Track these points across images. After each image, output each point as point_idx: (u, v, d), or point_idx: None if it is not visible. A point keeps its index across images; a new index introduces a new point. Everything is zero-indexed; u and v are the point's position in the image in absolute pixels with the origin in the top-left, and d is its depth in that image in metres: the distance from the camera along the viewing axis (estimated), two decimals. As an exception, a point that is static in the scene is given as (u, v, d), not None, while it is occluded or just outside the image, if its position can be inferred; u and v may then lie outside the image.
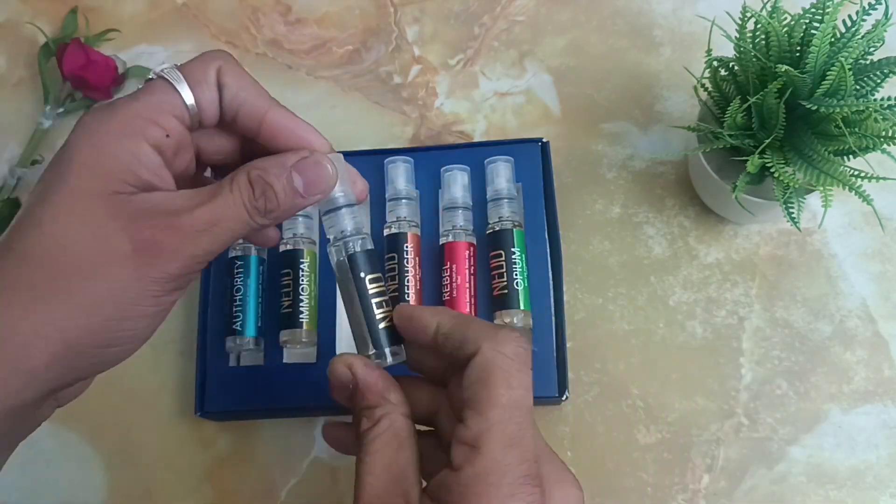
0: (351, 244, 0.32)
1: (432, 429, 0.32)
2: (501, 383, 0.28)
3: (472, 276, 0.43)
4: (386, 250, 0.44)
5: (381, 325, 0.32)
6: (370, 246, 0.32)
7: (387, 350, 0.32)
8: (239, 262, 0.44)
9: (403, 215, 0.45)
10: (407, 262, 0.43)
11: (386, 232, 0.45)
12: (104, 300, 0.26)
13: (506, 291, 0.42)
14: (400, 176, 0.46)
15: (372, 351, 0.32)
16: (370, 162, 0.47)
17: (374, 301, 0.32)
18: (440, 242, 0.44)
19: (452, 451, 0.28)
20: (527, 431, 0.27)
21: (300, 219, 0.45)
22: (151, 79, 0.30)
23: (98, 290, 0.26)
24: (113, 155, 0.27)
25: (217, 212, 0.28)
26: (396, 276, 0.43)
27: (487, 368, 0.28)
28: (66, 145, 0.28)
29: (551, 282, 0.44)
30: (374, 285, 0.32)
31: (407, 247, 0.44)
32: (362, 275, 0.32)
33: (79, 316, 0.26)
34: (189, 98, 0.29)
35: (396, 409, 0.30)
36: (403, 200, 0.45)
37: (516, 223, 0.44)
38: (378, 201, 0.47)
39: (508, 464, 0.27)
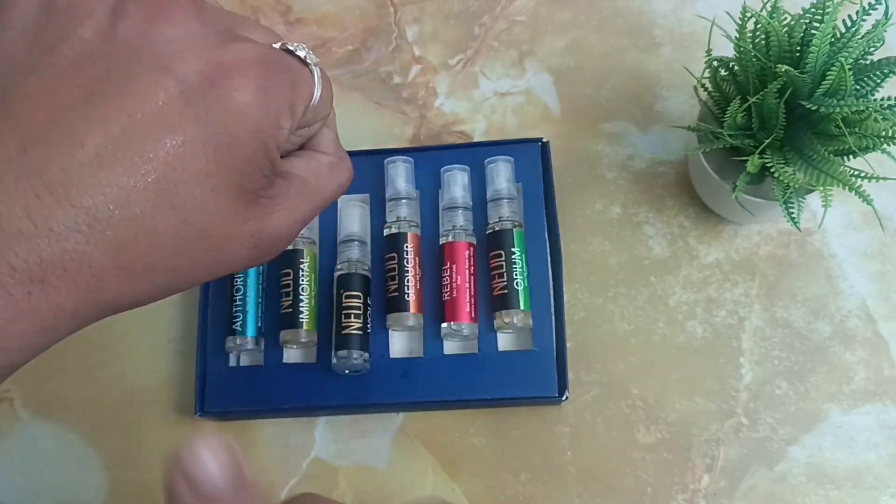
0: (345, 267, 0.43)
1: None
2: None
3: (472, 276, 0.43)
4: (386, 250, 0.44)
5: (342, 332, 0.42)
6: (363, 272, 0.44)
7: (336, 352, 0.42)
8: (239, 262, 0.44)
9: (403, 215, 0.45)
10: (407, 262, 0.43)
11: (386, 232, 0.45)
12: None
13: (506, 291, 0.42)
14: (400, 176, 0.46)
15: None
16: (370, 162, 0.47)
17: (343, 312, 0.42)
18: (440, 242, 0.44)
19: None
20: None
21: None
22: (295, 52, 0.27)
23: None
24: (263, 141, 0.25)
25: (320, 207, 0.29)
26: (396, 277, 0.43)
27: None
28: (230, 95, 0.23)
29: (551, 282, 0.44)
30: (350, 300, 0.43)
31: (407, 247, 0.44)
32: (342, 291, 0.43)
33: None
34: (315, 101, 0.28)
35: None
36: (403, 200, 0.45)
37: (516, 223, 0.44)
38: (378, 201, 0.47)
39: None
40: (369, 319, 0.43)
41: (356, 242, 0.45)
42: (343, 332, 0.42)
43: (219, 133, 0.23)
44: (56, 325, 0.22)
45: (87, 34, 0.23)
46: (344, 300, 0.43)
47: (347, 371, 0.43)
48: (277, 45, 0.27)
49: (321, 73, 0.28)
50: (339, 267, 0.44)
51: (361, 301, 0.43)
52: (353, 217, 0.45)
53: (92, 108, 0.21)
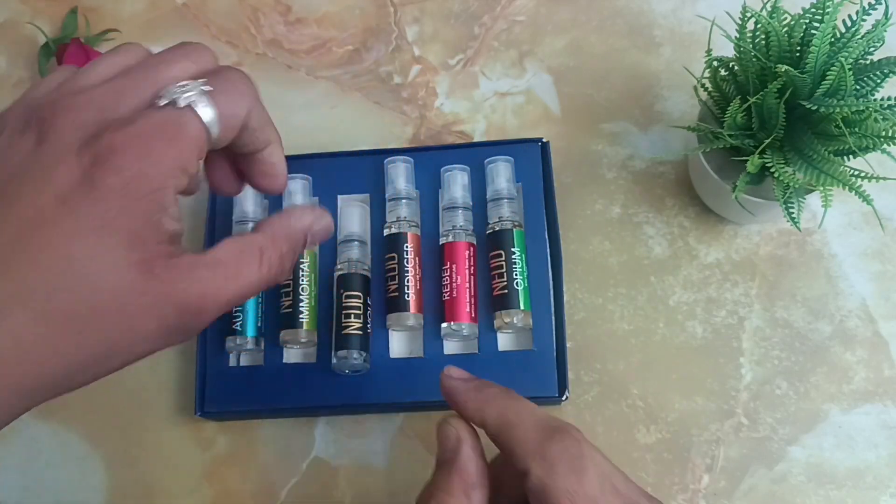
0: (345, 267, 0.43)
1: None
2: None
3: (472, 276, 0.43)
4: (386, 250, 0.44)
5: (343, 332, 0.42)
6: (362, 272, 0.44)
7: (336, 352, 0.42)
8: (239, 262, 0.44)
9: (403, 215, 0.45)
10: (407, 262, 0.43)
11: (386, 232, 0.45)
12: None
13: (506, 291, 0.42)
14: (400, 176, 0.46)
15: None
16: (370, 162, 0.47)
17: (343, 312, 0.42)
18: (440, 242, 0.44)
19: None
20: None
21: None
22: (176, 103, 0.27)
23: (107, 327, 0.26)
24: (145, 214, 0.26)
25: (245, 287, 0.29)
26: (396, 277, 0.43)
27: (544, 495, 0.27)
28: (93, 177, 0.25)
29: (551, 282, 0.44)
30: (350, 300, 0.43)
31: (407, 247, 0.44)
32: (342, 291, 0.43)
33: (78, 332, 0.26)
34: (214, 134, 0.28)
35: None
36: (403, 200, 0.45)
37: (516, 223, 0.44)
38: (378, 201, 0.47)
39: None
40: (369, 319, 0.43)
41: (356, 242, 0.45)
42: (343, 332, 0.42)
43: (96, 217, 0.25)
44: None
45: None
46: (344, 300, 0.43)
47: (347, 371, 0.43)
48: (161, 102, 0.27)
49: (218, 102, 0.28)
50: (338, 267, 0.44)
51: (361, 301, 0.43)
52: (353, 217, 0.45)
53: None
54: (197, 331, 0.28)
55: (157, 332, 0.27)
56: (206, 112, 0.27)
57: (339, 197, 0.47)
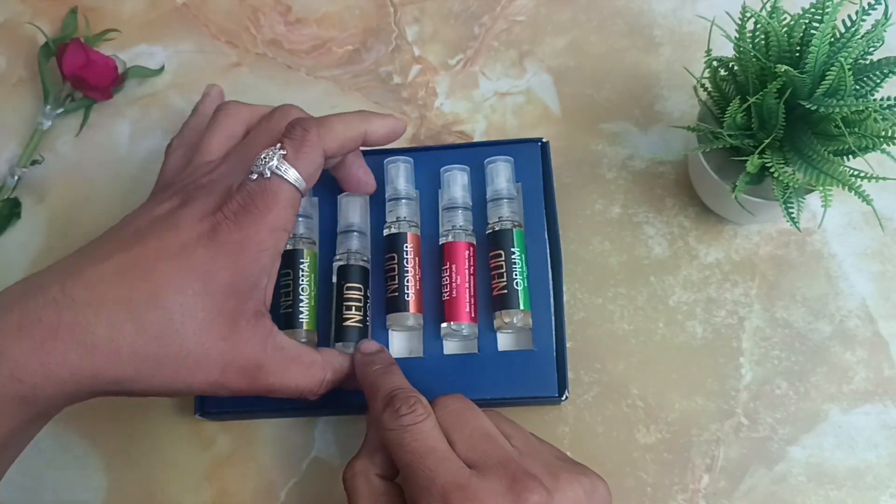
0: (345, 258, 0.44)
1: None
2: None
3: (471, 276, 0.43)
4: (386, 250, 0.44)
5: (343, 324, 0.42)
6: (362, 264, 0.44)
7: (336, 343, 0.42)
8: (239, 262, 0.44)
9: (403, 215, 0.45)
10: (407, 262, 0.43)
11: (386, 232, 0.45)
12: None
13: (505, 291, 0.42)
14: (400, 176, 0.46)
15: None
16: (370, 162, 0.47)
17: (343, 304, 0.43)
18: (440, 242, 0.44)
19: None
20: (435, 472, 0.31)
21: (300, 219, 0.45)
22: (263, 175, 0.34)
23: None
24: (247, 270, 0.33)
25: (290, 389, 0.37)
26: (396, 277, 0.43)
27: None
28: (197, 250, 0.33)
29: (551, 282, 0.44)
30: (350, 293, 0.43)
31: (407, 247, 0.44)
32: (342, 282, 0.43)
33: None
34: (302, 188, 0.35)
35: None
36: (403, 200, 0.45)
37: (516, 223, 0.44)
38: (378, 201, 0.47)
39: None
40: (368, 312, 0.43)
41: (355, 233, 0.44)
42: (343, 324, 0.42)
43: (206, 263, 0.32)
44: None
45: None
46: (345, 292, 0.43)
47: None
48: (253, 177, 0.34)
49: (296, 163, 0.35)
50: (338, 257, 0.44)
51: (361, 293, 0.43)
52: (353, 207, 0.45)
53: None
54: (234, 394, 0.35)
55: (216, 379, 0.33)
56: (289, 174, 0.34)
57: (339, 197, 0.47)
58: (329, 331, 0.43)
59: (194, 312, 0.32)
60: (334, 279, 0.44)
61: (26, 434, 0.33)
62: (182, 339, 0.32)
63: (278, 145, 0.34)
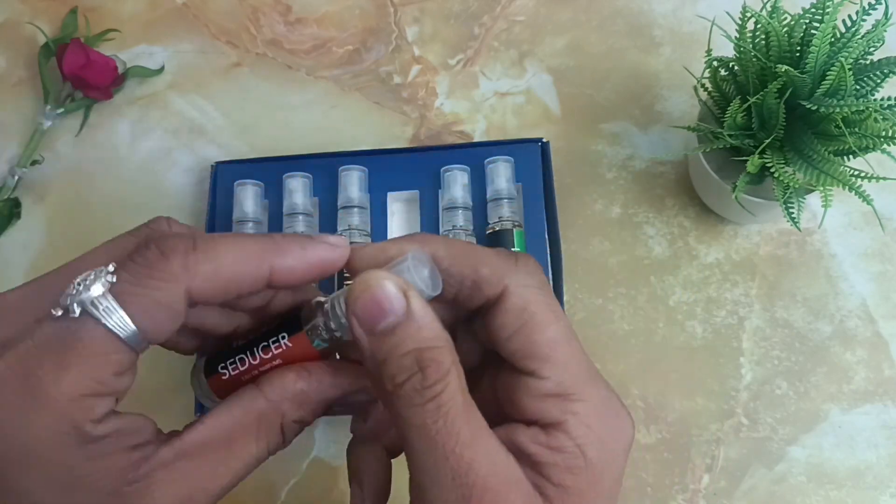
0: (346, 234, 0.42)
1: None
2: (550, 320, 0.24)
3: (472, 276, 0.43)
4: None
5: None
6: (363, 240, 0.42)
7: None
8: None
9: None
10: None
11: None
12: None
13: (506, 291, 0.42)
14: (353, 184, 0.45)
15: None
16: (370, 162, 0.47)
17: (344, 283, 0.41)
18: (440, 242, 0.44)
19: (532, 408, 0.24)
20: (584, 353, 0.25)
21: (301, 217, 0.45)
22: (67, 312, 0.22)
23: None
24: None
25: (240, 473, 0.26)
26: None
27: (529, 311, 0.24)
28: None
29: (551, 282, 0.44)
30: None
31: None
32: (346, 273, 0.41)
33: None
34: (139, 345, 0.23)
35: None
36: (356, 209, 0.45)
37: (516, 223, 0.44)
38: (379, 201, 0.47)
39: (605, 396, 0.25)
40: None
41: (356, 209, 0.44)
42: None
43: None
44: None
45: None
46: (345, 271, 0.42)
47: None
48: (57, 312, 0.22)
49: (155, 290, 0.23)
50: (340, 232, 0.44)
51: None
52: (353, 183, 0.45)
53: None
54: None
55: None
56: (111, 316, 0.23)
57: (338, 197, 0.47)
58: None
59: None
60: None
61: None
62: None
63: (110, 266, 0.23)
